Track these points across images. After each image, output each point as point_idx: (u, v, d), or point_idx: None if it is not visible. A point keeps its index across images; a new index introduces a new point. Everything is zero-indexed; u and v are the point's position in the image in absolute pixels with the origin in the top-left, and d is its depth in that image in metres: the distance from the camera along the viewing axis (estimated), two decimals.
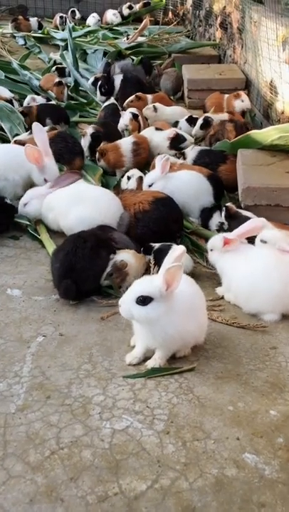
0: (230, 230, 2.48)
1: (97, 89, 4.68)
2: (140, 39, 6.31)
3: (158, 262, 2.29)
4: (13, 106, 4.28)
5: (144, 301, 1.51)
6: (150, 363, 1.60)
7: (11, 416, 1.35)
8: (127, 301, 1.53)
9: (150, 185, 2.89)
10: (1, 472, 1.19)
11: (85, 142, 3.45)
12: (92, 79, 4.92)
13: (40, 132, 2.88)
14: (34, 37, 7.06)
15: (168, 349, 1.59)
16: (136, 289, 1.54)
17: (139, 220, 2.54)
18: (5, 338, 1.79)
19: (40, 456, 1.23)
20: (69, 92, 4.80)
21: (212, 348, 1.73)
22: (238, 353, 1.71)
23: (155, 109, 4.09)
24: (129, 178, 3.05)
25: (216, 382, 1.53)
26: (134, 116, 3.75)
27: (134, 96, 4.22)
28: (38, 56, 6.36)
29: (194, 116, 4.08)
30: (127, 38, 6.52)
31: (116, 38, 6.82)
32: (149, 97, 4.32)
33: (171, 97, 5.13)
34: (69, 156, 3.22)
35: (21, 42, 6.88)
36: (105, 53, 6.08)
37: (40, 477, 1.18)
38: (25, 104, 4.32)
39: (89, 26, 7.48)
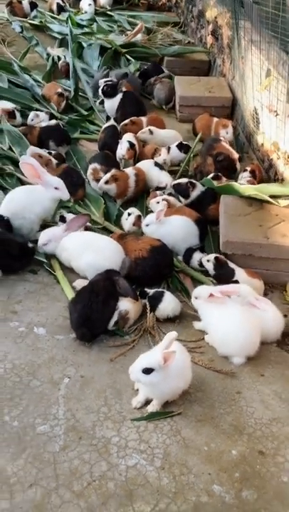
0: (218, 278, 3.10)
1: (100, 90, 4.97)
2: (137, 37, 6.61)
3: (152, 307, 2.93)
4: (15, 118, 4.68)
5: (147, 371, 2.13)
6: (150, 408, 2.24)
7: (57, 454, 1.98)
8: (135, 371, 2.16)
9: (147, 225, 3.48)
10: (57, 498, 1.82)
11: (95, 185, 3.91)
12: (102, 82, 5.12)
13: (28, 161, 3.35)
14: (30, 23, 7.26)
15: (163, 400, 2.24)
16: (142, 362, 2.15)
17: (138, 265, 3.12)
18: (40, 379, 2.39)
19: (80, 486, 1.86)
20: (69, 102, 5.19)
21: (194, 391, 2.36)
22: (212, 397, 2.35)
23: (151, 132, 4.53)
24: (129, 214, 3.58)
25: (196, 425, 2.17)
26: (131, 146, 4.20)
27: (128, 120, 4.62)
28: (36, 49, 6.59)
29: (184, 142, 4.56)
30: (124, 35, 6.76)
31: (110, 31, 7.05)
32: (144, 119, 4.73)
33: (164, 107, 5.57)
34: (73, 189, 3.70)
35: (18, 29, 7.04)
36: (101, 48, 6.37)
37: (82, 502, 1.81)
38: (29, 120, 4.70)
39: (85, 13, 7.63)
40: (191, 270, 3.28)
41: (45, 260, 3.26)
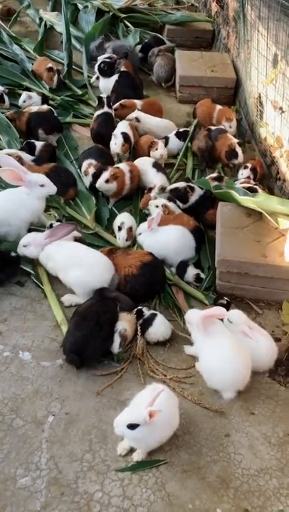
0: None
1: (96, 67, 4.70)
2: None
3: (143, 330, 2.82)
4: (4, 101, 4.39)
5: (132, 427, 2.05)
6: (135, 457, 2.18)
7: None
8: (120, 425, 2.08)
9: (140, 234, 3.32)
10: None
11: (86, 181, 3.71)
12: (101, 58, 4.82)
13: (8, 161, 3.15)
14: None
15: (149, 450, 2.17)
16: (126, 417, 2.07)
17: (128, 282, 2.99)
18: (24, 418, 2.32)
19: None
20: (62, 78, 4.86)
21: (182, 434, 2.30)
22: (200, 440, 2.29)
23: (138, 120, 4.23)
24: (120, 228, 3.37)
25: (182, 476, 2.12)
26: (125, 139, 3.95)
27: (118, 104, 4.32)
28: (27, 12, 6.13)
29: (182, 130, 4.29)
30: None
31: None
32: (138, 103, 4.42)
33: (163, 84, 5.24)
34: (63, 189, 3.51)
35: None
36: (98, 12, 5.93)
37: None
38: (20, 102, 4.42)
39: None
40: (185, 285, 3.15)
41: (32, 271, 3.12)
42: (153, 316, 2.83)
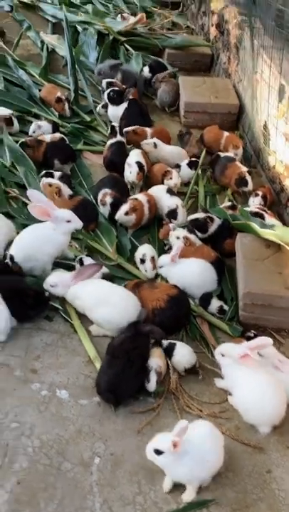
0: None
1: (105, 94, 4.77)
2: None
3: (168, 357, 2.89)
4: (13, 125, 4.40)
5: (157, 452, 2.25)
6: (184, 497, 2.25)
7: None
8: (149, 450, 2.27)
9: (161, 267, 3.39)
10: None
11: (104, 211, 3.77)
12: (104, 84, 4.95)
13: (37, 196, 3.21)
14: (20, 1, 6.74)
15: (193, 485, 2.27)
16: (153, 444, 2.27)
17: (156, 316, 3.05)
18: (71, 461, 2.36)
19: None
20: (71, 106, 4.90)
21: (225, 471, 2.37)
22: (244, 478, 2.36)
23: (155, 145, 4.33)
24: (143, 261, 3.43)
25: None
26: (140, 168, 4.02)
27: (130, 129, 4.39)
28: (28, 34, 6.16)
29: (193, 159, 4.39)
30: (122, 18, 6.37)
31: (106, 13, 6.62)
32: (148, 131, 4.50)
33: (166, 109, 5.34)
34: (87, 222, 3.54)
35: (7, 8, 6.55)
36: (99, 35, 6.00)
37: None
38: (30, 131, 4.44)
39: None
40: (210, 316, 3.23)
41: (60, 307, 3.16)
42: (172, 346, 2.90)
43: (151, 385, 2.70)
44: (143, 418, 2.61)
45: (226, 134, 4.63)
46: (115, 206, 3.70)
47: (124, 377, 2.66)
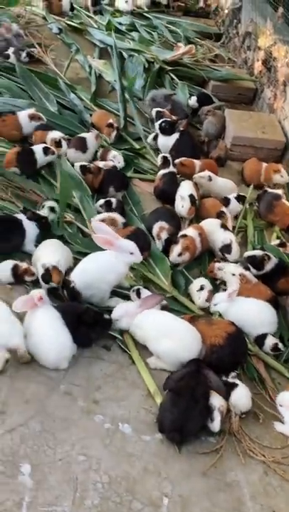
0: None
1: (156, 124, 4.80)
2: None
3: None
4: (62, 147, 4.44)
5: None
6: None
7: None
8: None
9: (215, 305, 3.40)
10: None
11: (158, 245, 3.79)
12: (154, 113, 5.01)
13: (101, 227, 3.27)
14: (68, 24, 6.86)
15: None
16: None
17: (214, 353, 3.05)
18: (140, 500, 2.35)
19: None
20: (120, 132, 4.97)
21: None
22: None
23: (210, 179, 4.38)
24: (202, 288, 3.46)
25: None
26: (193, 202, 4.06)
27: (178, 161, 4.45)
28: (76, 57, 6.26)
29: (241, 194, 4.44)
30: (175, 47, 6.48)
31: (151, 41, 6.74)
32: (197, 163, 4.56)
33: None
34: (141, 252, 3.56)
35: (55, 30, 6.64)
36: (145, 62, 6.09)
37: None
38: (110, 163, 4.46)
39: (122, 14, 7.27)
40: (265, 356, 3.24)
41: (118, 336, 3.17)
42: (233, 386, 2.90)
43: (216, 424, 2.70)
44: (207, 459, 2.61)
45: (264, 164, 4.73)
46: (169, 242, 3.74)
47: (189, 415, 2.66)
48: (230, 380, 2.95)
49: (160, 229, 3.81)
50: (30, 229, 3.49)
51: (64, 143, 4.46)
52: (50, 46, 6.16)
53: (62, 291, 3.30)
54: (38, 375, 2.85)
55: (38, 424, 2.60)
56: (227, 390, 2.87)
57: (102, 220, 3.70)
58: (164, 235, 3.77)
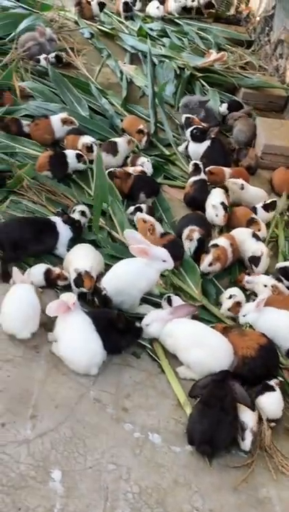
0: None
1: (187, 130, 4.78)
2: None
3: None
4: (93, 152, 4.43)
5: None
6: None
7: None
8: None
9: (244, 316, 3.35)
10: None
11: (190, 246, 3.75)
12: (184, 119, 5.00)
13: (134, 236, 3.25)
14: (100, 29, 6.89)
15: None
16: None
17: (246, 364, 3.01)
18: None
19: None
20: (150, 138, 4.96)
21: None
22: None
23: (242, 187, 4.33)
24: (231, 296, 3.43)
25: None
26: (225, 210, 4.03)
27: (208, 170, 4.41)
28: (107, 62, 6.27)
29: (268, 201, 4.35)
30: (206, 53, 6.47)
31: (182, 48, 6.73)
32: (227, 170, 4.52)
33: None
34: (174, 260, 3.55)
35: (87, 35, 6.67)
36: (178, 68, 6.08)
37: None
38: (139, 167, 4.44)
39: (153, 20, 7.29)
40: None
41: (147, 345, 3.14)
42: (268, 387, 2.87)
43: (247, 444, 2.65)
44: (238, 474, 2.57)
45: None
46: (202, 242, 3.72)
47: (220, 427, 2.62)
48: (270, 383, 2.91)
49: (191, 231, 3.78)
50: (64, 232, 3.50)
51: (95, 148, 4.47)
52: (82, 51, 6.20)
53: (92, 297, 3.30)
54: (68, 380, 2.84)
55: (68, 430, 2.59)
56: (262, 392, 2.85)
57: (145, 221, 3.72)
58: (196, 236, 3.74)
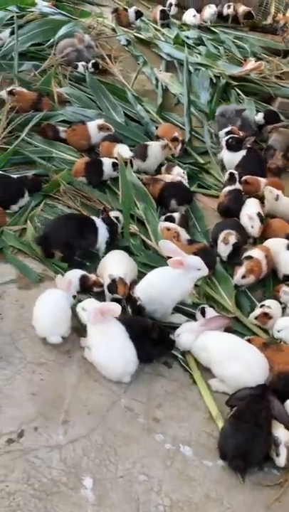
0: None
1: (223, 140, 4.77)
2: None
3: None
4: (132, 166, 4.42)
5: None
6: None
7: None
8: None
9: (279, 331, 3.30)
10: None
11: (225, 250, 3.73)
12: (223, 132, 4.95)
13: (169, 247, 3.20)
14: (136, 37, 6.93)
15: None
16: None
17: (281, 380, 2.95)
18: None
19: None
20: (185, 146, 4.95)
21: None
22: None
23: (277, 198, 4.28)
24: (262, 306, 3.40)
25: None
26: (261, 221, 3.99)
27: (243, 180, 4.39)
28: (143, 69, 6.30)
29: None
30: (241, 63, 6.45)
31: (218, 56, 6.72)
32: (263, 181, 4.49)
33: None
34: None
35: (123, 42, 6.71)
36: (214, 77, 6.06)
37: None
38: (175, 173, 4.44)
39: (189, 27, 7.31)
40: None
41: (179, 355, 3.11)
42: None
43: (281, 460, 2.59)
44: (271, 492, 2.51)
45: None
46: (237, 249, 3.71)
47: (254, 443, 2.57)
48: None
49: (228, 234, 3.75)
50: (103, 230, 3.56)
51: (134, 162, 4.42)
52: (118, 58, 6.24)
53: (125, 304, 3.29)
54: (99, 387, 2.83)
55: (100, 437, 2.58)
56: None
57: (168, 229, 3.70)
58: (232, 240, 3.71)
